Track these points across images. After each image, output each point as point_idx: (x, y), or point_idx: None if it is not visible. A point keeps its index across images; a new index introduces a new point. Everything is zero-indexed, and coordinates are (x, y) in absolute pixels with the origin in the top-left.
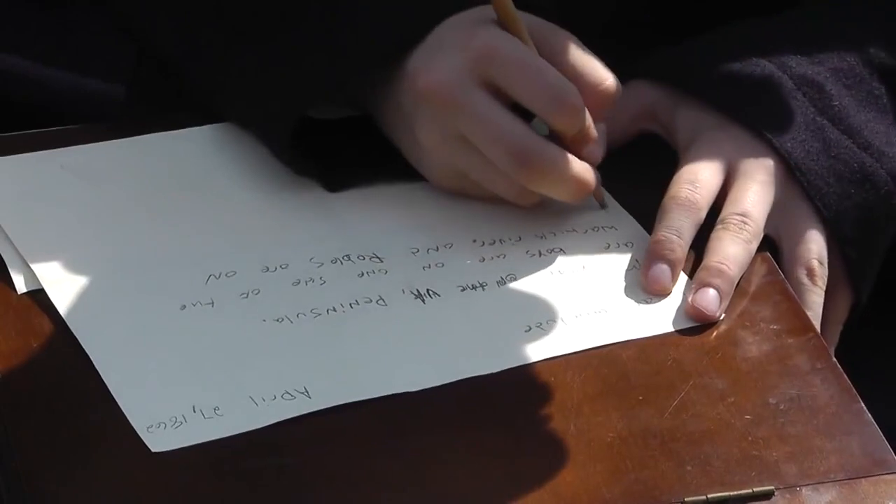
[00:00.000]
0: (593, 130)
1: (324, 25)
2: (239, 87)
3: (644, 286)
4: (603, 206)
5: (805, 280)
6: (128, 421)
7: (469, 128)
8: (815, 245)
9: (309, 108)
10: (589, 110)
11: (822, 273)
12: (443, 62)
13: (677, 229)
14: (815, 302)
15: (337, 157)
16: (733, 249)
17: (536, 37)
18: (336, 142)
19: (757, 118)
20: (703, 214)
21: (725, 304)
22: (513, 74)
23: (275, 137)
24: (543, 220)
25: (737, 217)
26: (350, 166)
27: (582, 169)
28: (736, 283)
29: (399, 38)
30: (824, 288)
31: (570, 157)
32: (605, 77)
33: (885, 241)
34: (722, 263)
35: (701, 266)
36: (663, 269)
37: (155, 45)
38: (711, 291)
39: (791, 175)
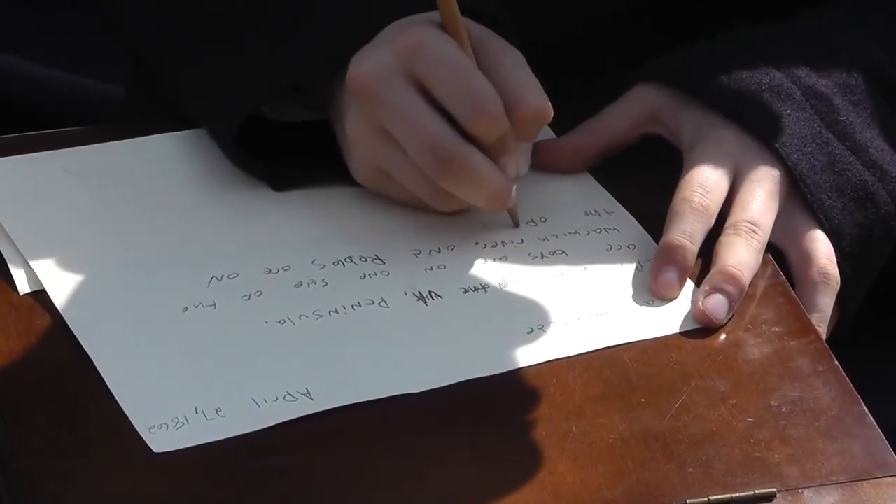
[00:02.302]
0: (513, 143)
1: (283, 28)
2: (199, 86)
3: (653, 290)
4: (516, 224)
5: (818, 279)
6: (129, 422)
7: (389, 120)
8: (824, 246)
9: (253, 109)
10: (514, 127)
11: (835, 273)
12: (372, 56)
13: (690, 234)
14: (826, 304)
15: (286, 157)
16: (746, 256)
17: (479, 46)
18: (291, 142)
19: (765, 127)
20: (713, 221)
21: (734, 310)
22: (435, 72)
23: (222, 135)
24: (545, 223)
25: (747, 224)
26: (299, 166)
27: (499, 177)
28: (746, 290)
29: (344, 42)
30: (837, 290)
31: (488, 162)
32: (536, 98)
33: (880, 262)
34: (736, 268)
35: (715, 269)
36: (674, 274)
37: (137, 45)
38: (723, 297)
39: (795, 187)
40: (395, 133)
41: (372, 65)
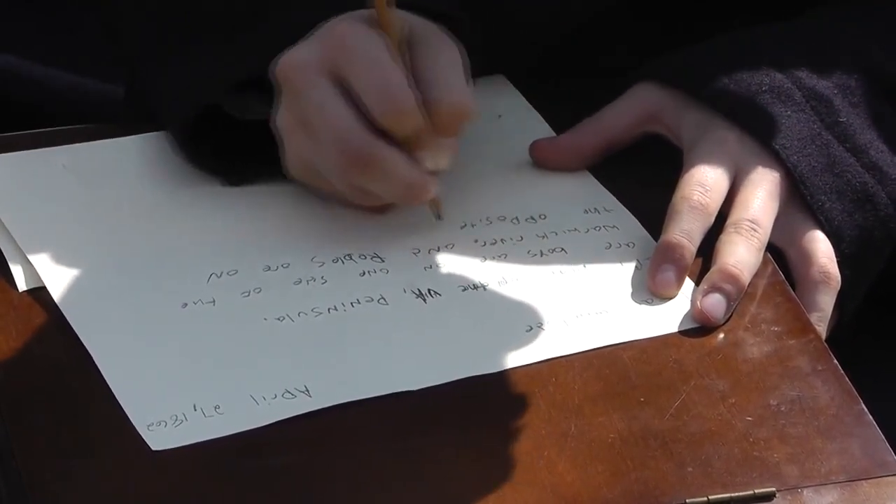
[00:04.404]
0: (429, 138)
1: (245, 28)
2: (163, 83)
3: (651, 288)
4: (438, 217)
5: (819, 278)
6: (129, 419)
7: (308, 113)
8: (825, 246)
9: (202, 104)
10: (434, 123)
11: (835, 273)
12: (300, 50)
13: (688, 233)
14: (826, 303)
15: (240, 154)
16: (746, 254)
17: (416, 42)
18: (251, 141)
19: (766, 128)
20: (713, 219)
21: (732, 309)
22: (354, 65)
23: (175, 131)
24: (544, 220)
25: (748, 223)
26: (249, 163)
27: (411, 171)
28: (746, 289)
29: (287, 40)
30: (837, 289)
31: (400, 156)
32: (455, 95)
33: (879, 264)
34: (735, 267)
35: (714, 268)
36: (672, 273)
37: (125, 47)
38: (721, 297)
39: (795, 188)
40: (313, 125)
41: (296, 57)
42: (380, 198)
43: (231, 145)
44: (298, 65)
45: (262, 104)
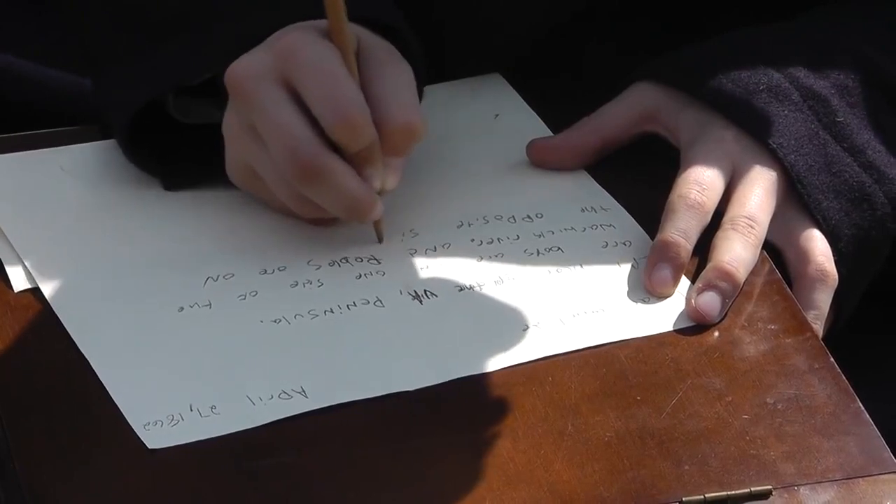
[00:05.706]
0: (379, 155)
1: (193, 31)
2: (109, 82)
3: (647, 287)
4: (379, 239)
5: (816, 276)
6: (126, 420)
7: (256, 119)
8: (822, 244)
9: (141, 103)
10: (383, 141)
11: (832, 271)
12: (250, 57)
13: (684, 231)
14: (823, 301)
15: (181, 158)
16: (742, 251)
17: (365, 56)
18: (194, 144)
19: (763, 127)
20: (710, 218)
21: (728, 307)
22: (306, 76)
23: (118, 129)
24: (541, 219)
25: (744, 219)
26: (188, 167)
27: (359, 188)
28: (741, 286)
29: (236, 45)
30: (834, 287)
31: (349, 171)
32: (405, 113)
33: (876, 264)
34: (731, 264)
35: (710, 265)
36: (668, 271)
37: (85, 46)
38: (716, 295)
39: (792, 187)
40: (260, 132)
41: (247, 64)
42: (321, 210)
43: (173, 148)
44: (249, 71)
45: (211, 108)
